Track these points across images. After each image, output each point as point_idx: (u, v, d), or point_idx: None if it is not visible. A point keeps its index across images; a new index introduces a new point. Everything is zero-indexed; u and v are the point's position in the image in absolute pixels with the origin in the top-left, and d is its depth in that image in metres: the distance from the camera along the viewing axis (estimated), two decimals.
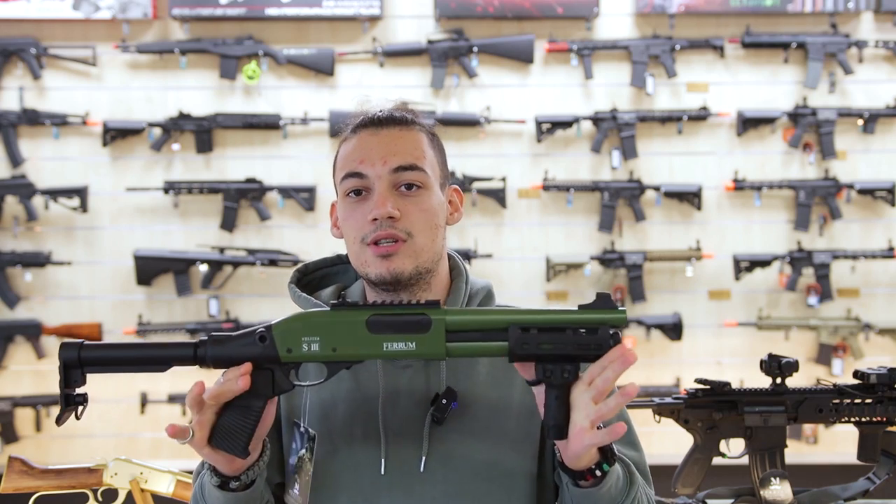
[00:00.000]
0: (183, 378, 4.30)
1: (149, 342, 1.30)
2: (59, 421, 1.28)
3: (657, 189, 4.30)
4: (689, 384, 2.52)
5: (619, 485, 1.32)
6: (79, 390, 1.28)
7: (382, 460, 1.39)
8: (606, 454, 1.27)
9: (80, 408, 1.28)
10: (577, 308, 1.25)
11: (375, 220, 1.38)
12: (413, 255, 1.40)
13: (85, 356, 1.26)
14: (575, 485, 1.28)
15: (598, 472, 1.27)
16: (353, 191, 1.42)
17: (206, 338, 1.27)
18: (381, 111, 1.46)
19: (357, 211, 1.41)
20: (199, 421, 1.24)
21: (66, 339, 1.29)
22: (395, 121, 1.45)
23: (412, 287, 1.42)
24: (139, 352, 1.28)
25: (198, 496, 1.36)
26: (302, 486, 1.37)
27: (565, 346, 1.22)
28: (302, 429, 1.37)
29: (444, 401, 1.39)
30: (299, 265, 1.57)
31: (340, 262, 1.59)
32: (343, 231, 1.45)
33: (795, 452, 4.07)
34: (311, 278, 1.57)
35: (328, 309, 1.27)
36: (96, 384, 4.18)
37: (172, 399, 4.26)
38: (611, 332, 1.22)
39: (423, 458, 1.39)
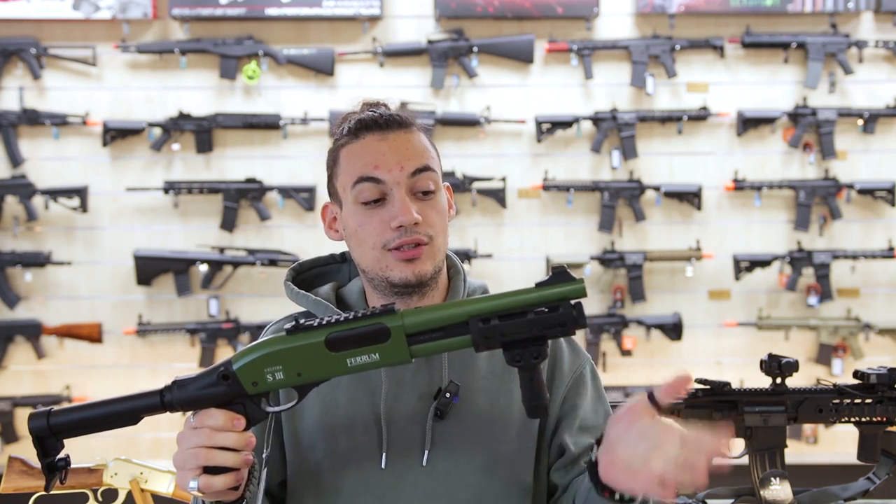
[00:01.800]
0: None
1: (116, 397, 1.26)
2: (48, 489, 1.28)
3: (657, 189, 4.30)
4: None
5: None
6: (60, 455, 1.28)
7: (384, 454, 1.40)
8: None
9: (64, 472, 1.28)
10: (534, 286, 1.22)
11: (400, 226, 1.39)
12: (432, 257, 1.43)
13: (54, 423, 1.25)
14: (598, 493, 1.26)
15: (616, 497, 1.25)
16: (370, 197, 1.41)
17: (170, 383, 1.25)
18: (380, 114, 1.45)
19: (375, 217, 1.41)
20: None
21: (34, 410, 1.27)
22: (398, 123, 1.45)
23: (425, 288, 1.44)
24: (108, 408, 1.26)
25: None
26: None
27: (529, 329, 1.20)
28: (264, 454, 1.34)
29: (447, 395, 1.39)
30: (294, 264, 1.58)
31: (334, 261, 1.61)
32: (358, 237, 1.43)
33: (795, 452, 4.07)
34: (305, 277, 1.58)
35: (284, 334, 1.24)
36: (97, 384, 4.15)
37: None
38: (573, 303, 1.20)
39: (426, 453, 1.40)
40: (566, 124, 4.30)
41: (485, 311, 1.21)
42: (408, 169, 1.41)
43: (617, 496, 1.24)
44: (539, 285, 1.21)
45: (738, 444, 2.08)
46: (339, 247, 1.66)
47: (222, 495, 1.26)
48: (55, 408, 1.26)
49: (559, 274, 1.21)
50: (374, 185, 1.41)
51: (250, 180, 4.28)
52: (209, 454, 1.22)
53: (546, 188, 4.28)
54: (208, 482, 1.22)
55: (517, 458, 1.43)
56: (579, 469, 1.43)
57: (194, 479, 1.22)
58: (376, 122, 1.44)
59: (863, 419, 2.05)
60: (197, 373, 1.26)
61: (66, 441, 1.29)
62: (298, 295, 1.50)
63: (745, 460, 2.07)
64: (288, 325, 1.24)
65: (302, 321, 1.24)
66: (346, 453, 1.41)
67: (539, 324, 1.20)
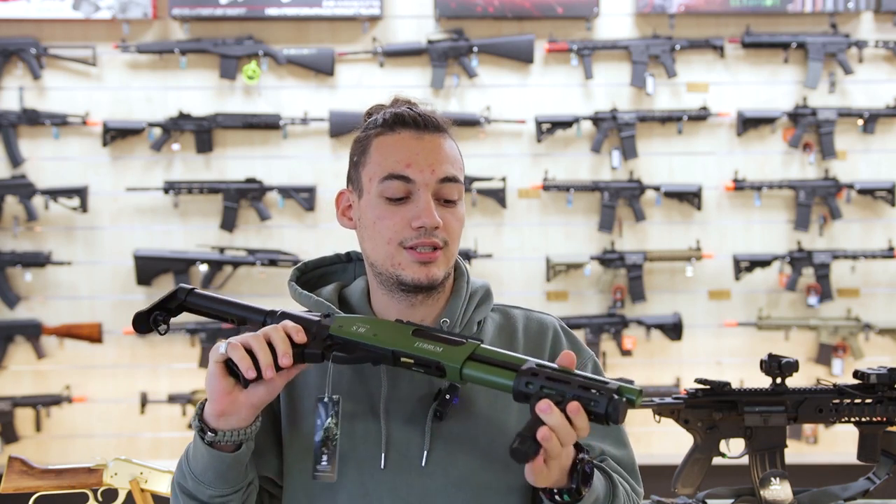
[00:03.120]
0: (182, 379, 4.31)
1: (235, 301, 1.45)
2: (134, 316, 1.45)
3: (657, 189, 4.30)
4: (689, 384, 2.53)
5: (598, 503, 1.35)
6: (163, 320, 1.46)
7: (383, 455, 1.41)
8: (574, 481, 1.27)
9: (162, 326, 1.46)
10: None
11: (421, 227, 1.40)
12: (446, 262, 1.44)
13: (188, 300, 1.45)
14: (550, 498, 1.30)
15: (556, 498, 1.28)
16: (395, 193, 1.42)
17: (278, 311, 1.39)
18: (419, 110, 1.46)
19: (397, 214, 1.41)
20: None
21: (184, 284, 1.49)
22: (435, 126, 1.45)
23: (432, 290, 1.45)
24: (225, 307, 1.44)
25: (182, 461, 1.39)
26: (329, 456, 1.39)
27: (566, 394, 1.22)
28: (325, 399, 1.40)
29: (447, 396, 1.40)
30: (299, 263, 1.58)
31: (339, 261, 1.61)
32: (375, 229, 1.43)
33: (795, 452, 4.07)
34: (309, 276, 1.57)
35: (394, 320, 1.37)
36: (97, 384, 4.16)
37: (172, 399, 4.26)
38: (617, 398, 1.20)
39: (425, 454, 1.40)
40: (566, 124, 4.30)
41: (543, 363, 1.26)
42: (438, 174, 1.41)
43: (553, 496, 1.29)
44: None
45: (738, 444, 2.08)
46: (341, 245, 1.66)
47: (223, 399, 1.30)
48: (198, 290, 1.46)
49: (627, 381, 1.24)
50: (403, 183, 1.41)
51: (250, 180, 4.29)
52: (257, 339, 1.29)
53: (546, 188, 4.28)
54: (235, 349, 1.29)
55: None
56: None
57: (229, 342, 1.30)
58: (414, 120, 1.44)
59: (863, 419, 2.05)
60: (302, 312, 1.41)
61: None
62: (301, 295, 1.50)
63: (745, 460, 2.07)
64: (399, 318, 1.38)
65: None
66: (345, 453, 1.41)
67: (575, 392, 1.22)
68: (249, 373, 1.28)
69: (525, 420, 1.41)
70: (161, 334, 1.46)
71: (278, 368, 1.29)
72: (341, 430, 1.42)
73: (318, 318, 1.37)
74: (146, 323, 1.45)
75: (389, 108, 1.47)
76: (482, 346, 1.30)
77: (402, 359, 1.31)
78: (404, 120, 1.44)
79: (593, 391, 1.21)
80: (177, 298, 1.46)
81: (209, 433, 1.32)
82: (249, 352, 1.29)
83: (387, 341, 1.33)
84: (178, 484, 1.40)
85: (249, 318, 1.42)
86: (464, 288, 1.50)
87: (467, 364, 1.28)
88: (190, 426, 1.36)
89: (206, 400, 1.34)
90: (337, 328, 1.35)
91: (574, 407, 1.20)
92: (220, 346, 1.31)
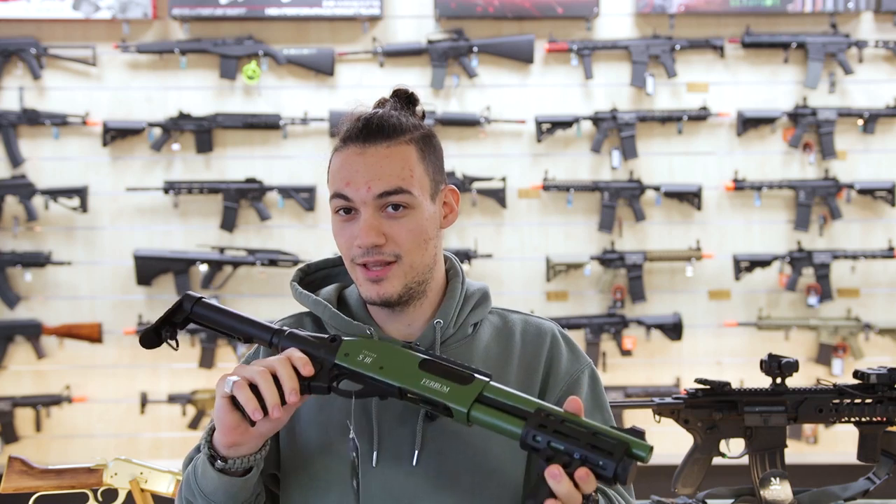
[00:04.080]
0: (182, 379, 4.31)
1: (243, 315, 1.41)
2: (144, 341, 1.44)
3: (657, 189, 4.30)
4: (689, 384, 2.53)
5: None
6: (170, 334, 1.44)
7: (375, 453, 1.41)
8: None
9: (171, 341, 1.44)
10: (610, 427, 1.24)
11: (361, 246, 1.40)
12: (402, 275, 1.42)
13: (194, 310, 1.42)
14: None
15: None
16: (342, 209, 1.43)
17: (285, 331, 1.37)
18: (369, 119, 1.43)
19: (346, 229, 1.43)
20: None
21: (191, 292, 1.46)
22: (384, 134, 1.42)
23: (404, 306, 1.45)
24: (232, 321, 1.41)
25: (190, 478, 1.39)
26: (355, 480, 1.40)
27: (573, 449, 1.20)
28: (351, 435, 1.39)
29: None
30: (302, 265, 1.59)
31: (341, 262, 1.60)
32: (337, 244, 1.47)
33: (795, 452, 4.07)
34: (313, 278, 1.59)
35: (401, 344, 1.35)
36: (97, 384, 4.15)
37: (172, 399, 4.26)
38: (627, 459, 1.19)
39: (416, 453, 1.41)
40: (566, 124, 4.30)
41: (552, 412, 1.24)
42: (375, 190, 1.39)
43: None
44: (614, 428, 1.24)
45: (738, 444, 2.08)
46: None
47: (232, 433, 1.29)
48: (206, 299, 1.43)
49: (637, 432, 1.24)
50: (345, 201, 1.42)
51: (250, 180, 4.29)
52: (264, 377, 1.28)
53: (546, 188, 4.28)
54: (241, 389, 1.27)
55: (508, 461, 1.43)
56: None
57: (234, 380, 1.28)
58: (360, 133, 1.43)
59: (863, 419, 2.05)
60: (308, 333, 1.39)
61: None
62: (301, 295, 1.51)
63: (745, 460, 2.08)
64: (408, 342, 1.37)
65: (416, 343, 1.36)
66: (338, 451, 1.42)
67: (584, 453, 1.20)
68: (256, 414, 1.27)
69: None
70: (174, 349, 1.44)
71: (284, 404, 1.28)
72: (336, 429, 1.43)
73: (324, 342, 1.35)
74: (155, 341, 1.44)
75: (348, 121, 1.46)
76: (490, 383, 1.28)
77: (409, 395, 1.30)
78: (353, 134, 1.43)
79: (603, 450, 1.19)
80: (183, 310, 1.43)
81: (219, 461, 1.32)
82: (255, 388, 1.28)
83: (393, 375, 1.31)
84: (187, 500, 1.40)
85: (256, 335, 1.39)
86: (457, 289, 1.49)
87: (475, 407, 1.27)
88: (190, 426, 1.36)
89: (213, 426, 1.33)
90: (343, 356, 1.33)
91: (583, 474, 1.19)
92: (227, 382, 1.29)
